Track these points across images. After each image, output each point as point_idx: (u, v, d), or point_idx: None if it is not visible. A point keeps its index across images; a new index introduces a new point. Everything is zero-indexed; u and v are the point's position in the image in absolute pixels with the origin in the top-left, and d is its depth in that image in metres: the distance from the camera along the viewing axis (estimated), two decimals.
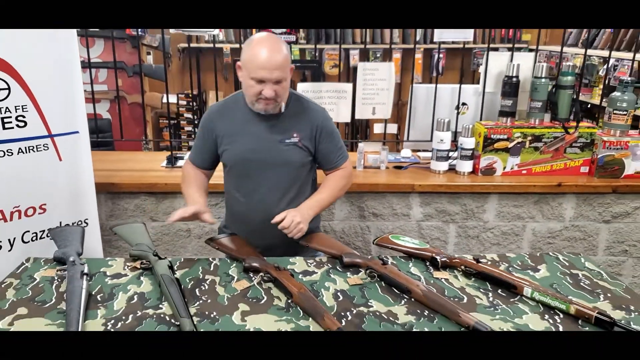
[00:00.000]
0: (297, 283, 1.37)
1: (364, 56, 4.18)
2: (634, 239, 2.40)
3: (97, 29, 3.45)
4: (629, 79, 2.32)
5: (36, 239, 1.90)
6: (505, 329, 1.25)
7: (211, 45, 4.19)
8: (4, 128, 1.75)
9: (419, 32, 4.35)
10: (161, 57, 4.26)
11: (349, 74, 4.41)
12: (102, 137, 3.42)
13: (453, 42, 4.25)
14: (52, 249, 1.64)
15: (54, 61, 1.85)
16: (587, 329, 1.26)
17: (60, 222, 1.99)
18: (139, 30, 3.44)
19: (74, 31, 1.89)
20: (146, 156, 2.78)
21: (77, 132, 1.96)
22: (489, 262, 1.59)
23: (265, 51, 1.55)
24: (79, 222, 2.05)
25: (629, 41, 3.33)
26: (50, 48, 1.83)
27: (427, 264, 1.58)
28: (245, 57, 1.59)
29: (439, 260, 1.54)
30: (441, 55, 4.29)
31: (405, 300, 1.37)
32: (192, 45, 4.28)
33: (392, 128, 2.53)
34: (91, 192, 2.06)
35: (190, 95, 4.25)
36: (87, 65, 3.40)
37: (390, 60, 2.66)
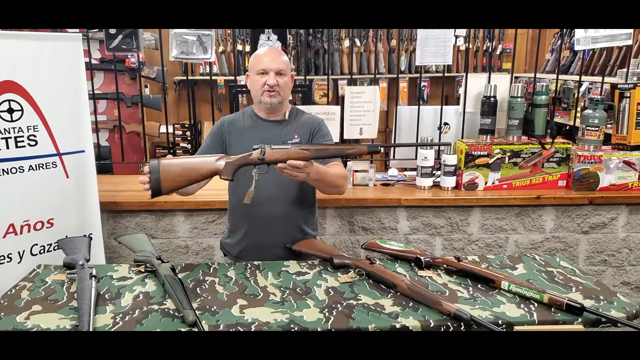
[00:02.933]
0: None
1: (353, 86, 4.38)
2: (612, 248, 2.53)
3: (98, 63, 3.63)
4: (599, 97, 2.50)
5: (44, 251, 2.00)
6: (484, 316, 1.35)
7: (205, 77, 4.41)
8: (16, 146, 1.88)
9: (404, 62, 4.58)
10: (157, 88, 4.45)
11: (337, 103, 4.60)
12: (102, 164, 3.56)
13: (437, 71, 4.47)
14: (60, 261, 1.73)
15: (63, 86, 2.00)
16: (559, 315, 1.37)
17: (67, 236, 2.08)
18: (137, 62, 3.61)
19: (82, 60, 2.05)
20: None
21: (83, 151, 2.09)
22: (470, 264, 1.70)
23: (267, 52, 1.87)
24: (84, 236, 2.15)
25: (601, 66, 3.55)
26: (61, 74, 1.99)
27: (412, 264, 1.69)
28: (251, 62, 1.89)
29: (422, 260, 1.66)
30: (425, 84, 4.50)
31: (391, 294, 1.48)
32: (194, 78, 4.47)
33: None
34: (96, 208, 2.18)
35: (187, 125, 4.41)
36: (90, 96, 3.58)
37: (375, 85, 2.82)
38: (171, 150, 4.56)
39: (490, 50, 4.45)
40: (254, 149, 1.58)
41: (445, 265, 1.63)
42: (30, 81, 1.89)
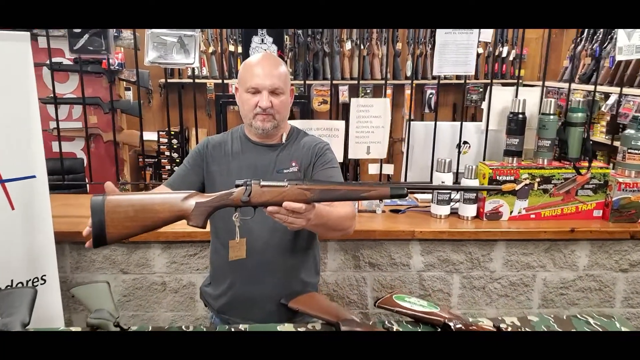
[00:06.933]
0: None
1: (354, 92, 4.05)
2: None
3: (71, 64, 3.26)
4: None
5: None
6: None
7: (194, 80, 4.04)
8: None
9: (409, 67, 4.23)
10: (142, 93, 4.08)
11: (338, 111, 4.25)
12: (73, 179, 3.19)
13: (445, 78, 4.13)
14: None
15: (6, 96, 1.63)
16: None
17: (12, 281, 1.74)
18: (116, 64, 3.25)
19: (30, 64, 1.68)
20: None
21: (33, 176, 1.73)
22: (510, 328, 1.37)
23: (260, 62, 1.50)
24: (35, 280, 1.80)
25: (630, 76, 3.22)
26: (3, 81, 1.61)
27: (439, 330, 1.35)
28: (240, 73, 1.52)
29: (452, 327, 1.32)
30: (433, 91, 4.16)
31: None
32: (173, 80, 4.11)
33: (389, 169, 2.33)
34: (50, 245, 1.81)
35: (172, 133, 4.04)
36: (59, 101, 3.21)
37: (384, 96, 2.48)
38: (155, 160, 4.21)
39: (502, 56, 4.11)
40: (237, 186, 1.22)
41: None
42: None
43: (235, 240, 1.25)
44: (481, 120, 2.30)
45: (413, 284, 2.15)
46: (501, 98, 2.23)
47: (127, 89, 3.89)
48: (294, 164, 1.53)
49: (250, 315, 1.52)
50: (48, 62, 2.54)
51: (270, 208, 1.18)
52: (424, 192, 2.35)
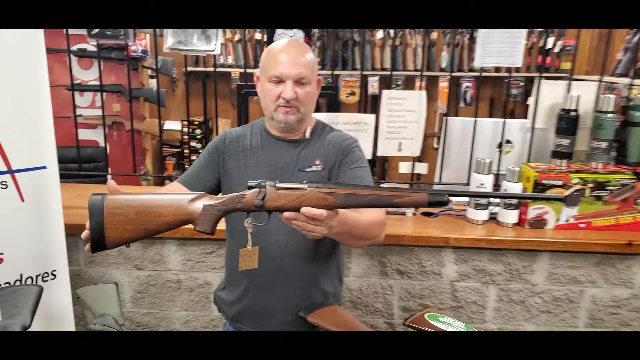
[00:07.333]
0: None
1: (384, 84, 3.86)
2: None
3: (95, 50, 3.17)
4: None
5: None
6: None
7: (219, 69, 3.93)
8: None
9: (445, 58, 4.01)
10: (166, 81, 3.99)
11: (367, 103, 4.07)
12: (94, 168, 3.12)
13: (484, 70, 3.90)
14: None
15: (16, 84, 1.53)
16: None
17: (22, 275, 1.65)
18: (140, 51, 3.15)
19: (42, 51, 1.57)
20: None
21: (44, 167, 1.63)
22: None
23: (285, 48, 1.35)
24: (45, 275, 1.71)
25: None
26: (13, 69, 1.52)
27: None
28: (262, 61, 1.38)
29: None
30: (470, 84, 3.93)
31: None
32: (197, 69, 4.01)
33: (422, 168, 2.16)
34: (60, 239, 1.72)
35: (196, 123, 3.94)
36: (81, 88, 3.13)
37: (418, 88, 2.31)
38: (179, 149, 4.13)
39: (547, 48, 3.84)
40: (250, 188, 1.08)
41: None
42: None
43: (247, 248, 1.11)
44: (523, 117, 2.10)
45: (444, 294, 1.98)
46: (549, 93, 2.02)
47: (152, 76, 3.80)
48: (317, 162, 1.38)
49: (265, 326, 1.39)
50: (73, 48, 2.46)
51: (286, 214, 1.03)
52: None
